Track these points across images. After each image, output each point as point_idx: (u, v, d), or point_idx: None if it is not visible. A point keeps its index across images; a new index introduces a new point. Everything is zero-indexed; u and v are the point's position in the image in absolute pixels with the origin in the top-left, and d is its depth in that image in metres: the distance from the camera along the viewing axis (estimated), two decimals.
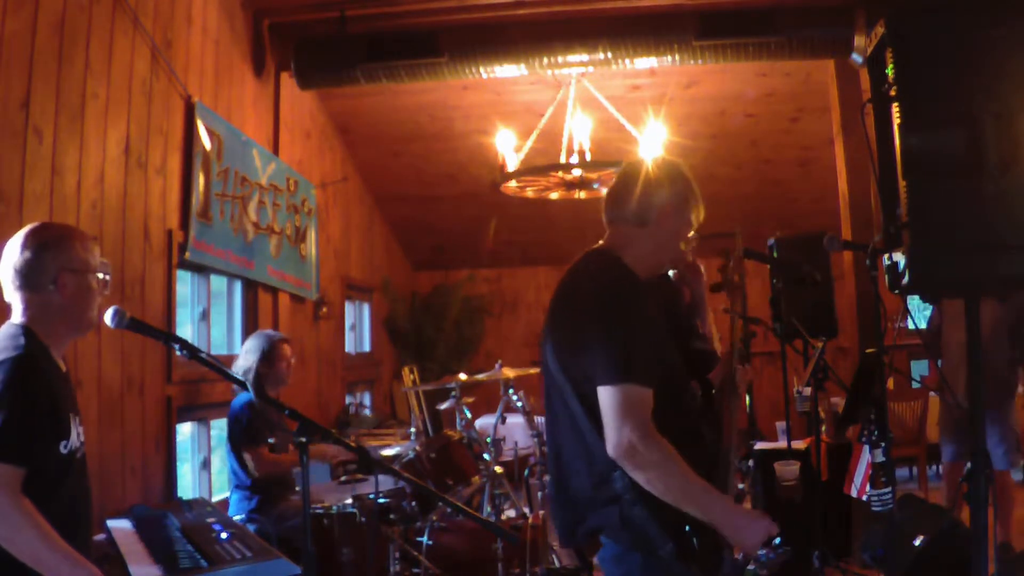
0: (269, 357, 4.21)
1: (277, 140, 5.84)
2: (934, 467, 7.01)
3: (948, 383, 4.74)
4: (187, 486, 4.70)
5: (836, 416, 5.39)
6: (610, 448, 1.89)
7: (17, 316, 2.10)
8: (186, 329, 4.83)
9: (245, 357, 4.24)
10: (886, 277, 2.23)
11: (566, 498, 2.09)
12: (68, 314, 2.12)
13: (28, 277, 2.07)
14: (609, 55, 5.41)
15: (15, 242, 2.10)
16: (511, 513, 4.39)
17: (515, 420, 5.45)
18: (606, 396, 1.91)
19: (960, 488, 2.33)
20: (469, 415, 4.47)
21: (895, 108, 2.06)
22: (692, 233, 2.19)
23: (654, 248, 2.14)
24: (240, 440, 4.00)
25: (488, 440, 4.33)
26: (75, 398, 2.19)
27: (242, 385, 2.14)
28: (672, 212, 2.12)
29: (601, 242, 2.19)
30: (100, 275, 2.18)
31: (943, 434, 4.96)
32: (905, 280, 2.07)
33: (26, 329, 2.06)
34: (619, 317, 1.97)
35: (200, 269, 4.85)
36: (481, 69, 5.52)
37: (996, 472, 4.40)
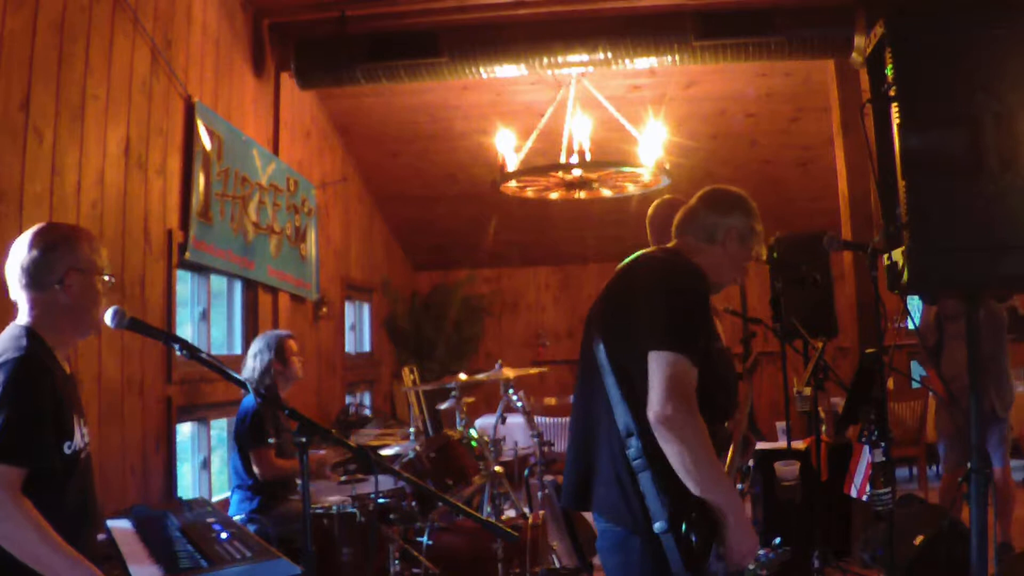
0: (282, 353, 4.22)
1: (277, 140, 5.84)
2: (934, 467, 7.00)
3: (953, 389, 4.73)
4: (187, 486, 4.70)
5: (836, 416, 5.39)
6: (651, 412, 1.96)
7: (22, 316, 2.10)
8: (186, 329, 4.83)
9: (258, 358, 4.21)
10: (886, 277, 2.23)
11: (582, 460, 2.17)
12: (73, 314, 2.11)
13: (35, 276, 2.07)
14: (609, 55, 5.41)
15: (23, 240, 2.10)
16: (511, 513, 4.39)
17: (515, 420, 5.44)
18: (658, 361, 1.99)
19: (960, 488, 2.33)
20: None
21: (895, 108, 2.06)
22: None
23: (714, 265, 2.26)
24: (247, 440, 4.00)
25: (487, 440, 4.32)
26: (79, 399, 2.19)
27: (243, 385, 2.13)
28: (737, 237, 2.29)
29: (669, 245, 2.34)
30: (106, 277, 2.18)
31: (943, 440, 4.93)
32: (905, 280, 2.07)
33: (29, 330, 2.05)
34: (685, 299, 2.09)
35: (200, 269, 4.85)
36: (481, 69, 5.52)
37: (995, 470, 4.40)
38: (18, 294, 2.10)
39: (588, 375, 2.20)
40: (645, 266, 2.25)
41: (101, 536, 3.03)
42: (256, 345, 4.29)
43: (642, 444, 2.00)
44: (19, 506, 1.87)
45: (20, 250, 2.09)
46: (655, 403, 1.95)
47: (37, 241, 2.09)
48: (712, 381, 2.38)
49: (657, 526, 1.95)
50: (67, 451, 2.01)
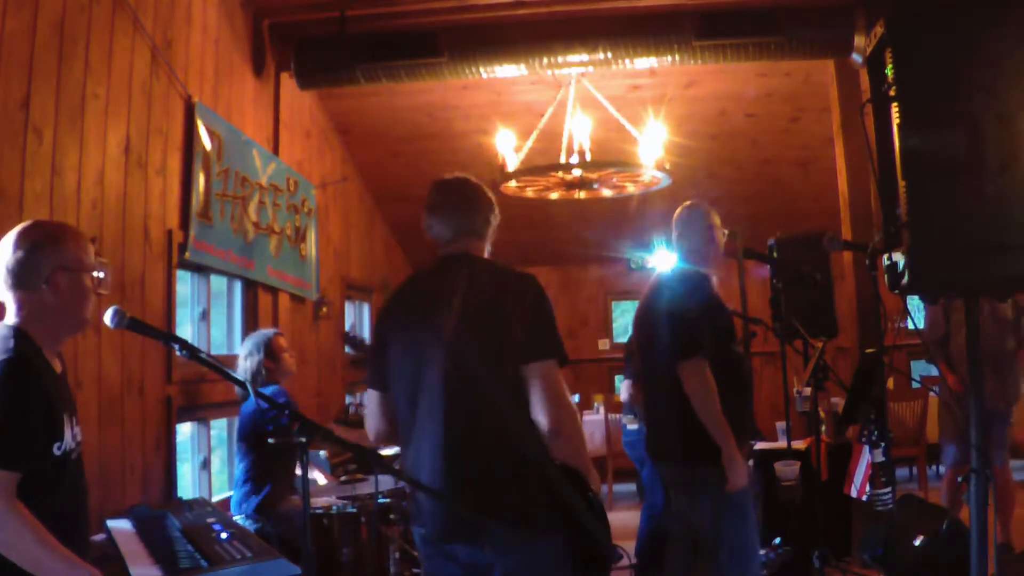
0: (271, 352, 4.24)
1: (277, 140, 5.84)
2: (934, 467, 7.00)
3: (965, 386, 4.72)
4: (187, 486, 4.70)
5: (836, 416, 5.39)
6: (550, 418, 2.13)
7: (10, 316, 2.07)
8: (186, 329, 4.83)
9: (249, 360, 4.25)
10: (886, 277, 2.23)
11: (464, 480, 2.18)
12: (62, 313, 2.09)
13: (21, 277, 2.04)
14: (609, 55, 5.41)
15: (7, 241, 2.06)
16: None
17: None
18: (544, 370, 2.16)
19: (960, 488, 2.34)
20: None
21: (895, 108, 2.06)
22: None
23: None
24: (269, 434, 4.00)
25: None
26: (71, 398, 2.16)
27: (242, 385, 2.13)
28: (494, 227, 2.50)
29: (461, 248, 2.42)
30: (95, 273, 2.15)
31: (946, 438, 4.92)
32: (905, 280, 2.07)
33: (18, 331, 2.03)
34: (547, 306, 2.27)
35: (200, 269, 4.85)
36: (481, 69, 5.52)
37: (996, 471, 4.39)
38: (4, 295, 2.07)
39: (452, 390, 2.20)
40: (494, 283, 2.30)
41: (101, 536, 3.04)
42: (245, 348, 4.33)
43: (544, 453, 2.13)
44: (15, 511, 1.85)
45: (5, 251, 2.05)
46: (551, 411, 2.12)
47: (21, 241, 2.05)
48: (733, 390, 2.60)
49: (573, 520, 2.11)
50: (56, 452, 1.99)
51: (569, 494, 2.09)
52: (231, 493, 4.24)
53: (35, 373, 1.99)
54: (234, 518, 3.59)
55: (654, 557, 4.38)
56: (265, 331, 4.48)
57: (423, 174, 7.77)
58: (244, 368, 4.23)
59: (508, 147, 5.25)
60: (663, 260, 4.49)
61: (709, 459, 3.06)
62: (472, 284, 2.29)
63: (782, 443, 4.97)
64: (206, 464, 4.90)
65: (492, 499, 2.15)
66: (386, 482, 3.97)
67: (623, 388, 5.06)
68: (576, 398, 7.75)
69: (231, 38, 5.19)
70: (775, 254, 5.08)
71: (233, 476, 4.37)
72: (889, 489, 3.25)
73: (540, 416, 2.11)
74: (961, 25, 2.04)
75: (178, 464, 4.40)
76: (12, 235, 2.08)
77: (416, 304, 2.37)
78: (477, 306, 2.24)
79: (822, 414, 4.80)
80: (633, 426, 5.03)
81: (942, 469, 5.08)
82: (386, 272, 8.49)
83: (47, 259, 2.05)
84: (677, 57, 5.37)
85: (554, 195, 5.68)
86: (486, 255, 2.45)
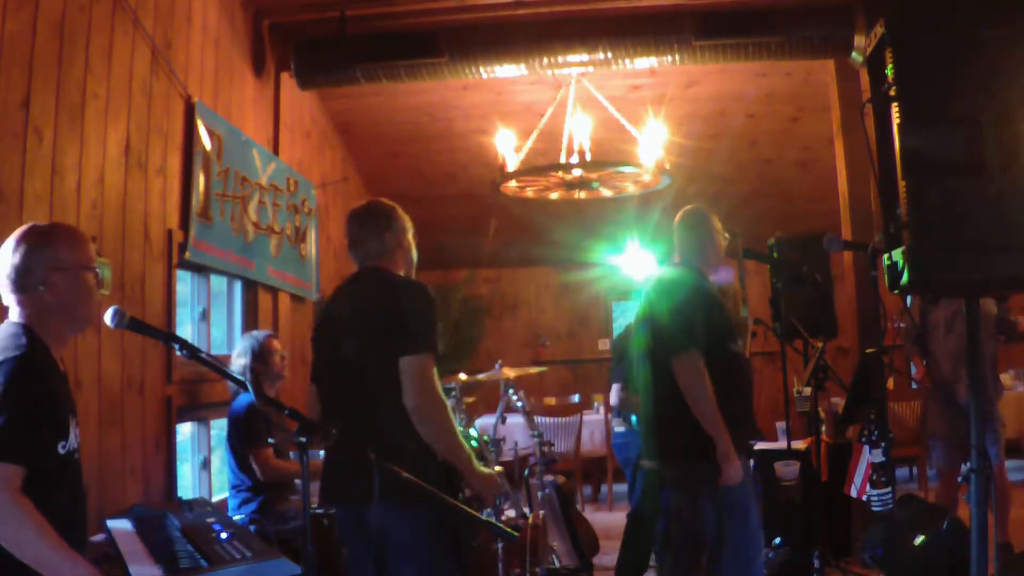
0: (260, 355, 4.23)
1: (277, 140, 5.84)
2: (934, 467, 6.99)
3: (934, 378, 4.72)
4: (187, 486, 4.70)
5: (836, 416, 5.39)
6: (412, 403, 2.48)
7: (16, 317, 2.09)
8: (186, 329, 4.83)
9: (237, 361, 4.26)
10: (886, 277, 2.23)
11: (353, 461, 2.45)
12: (62, 313, 2.11)
13: (18, 280, 2.07)
14: (609, 55, 5.40)
15: (7, 245, 2.10)
16: (511, 513, 4.39)
17: (515, 420, 5.45)
18: (414, 362, 2.51)
19: (959, 488, 2.34)
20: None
21: (895, 108, 2.06)
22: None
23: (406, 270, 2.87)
24: (244, 441, 4.00)
25: (487, 440, 4.32)
26: (72, 399, 2.18)
27: (242, 385, 2.13)
28: (407, 245, 2.87)
29: (372, 264, 2.83)
30: (98, 270, 2.17)
31: (935, 442, 4.90)
32: (905, 280, 2.07)
33: (27, 328, 2.05)
34: (428, 306, 2.67)
35: (200, 269, 4.85)
36: (481, 69, 5.52)
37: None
38: (8, 298, 2.10)
39: (347, 381, 2.62)
40: (388, 292, 2.69)
41: (101, 536, 3.04)
42: (238, 348, 4.33)
43: (416, 437, 2.49)
44: (19, 505, 1.86)
45: (5, 255, 2.09)
46: (414, 396, 2.49)
47: (17, 245, 2.09)
48: (732, 388, 2.71)
49: (446, 491, 2.38)
50: (61, 451, 2.00)
51: (432, 471, 2.44)
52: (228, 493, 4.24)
53: (44, 371, 2.02)
54: (234, 519, 3.59)
55: (637, 560, 4.38)
56: (258, 332, 4.46)
57: (423, 174, 7.82)
58: (234, 368, 4.23)
59: (508, 147, 5.25)
60: (660, 261, 4.50)
61: (709, 456, 3.06)
62: (363, 292, 2.75)
63: (782, 443, 4.97)
64: (206, 464, 4.90)
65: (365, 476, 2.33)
66: None
67: (612, 392, 5.05)
68: (576, 398, 7.75)
69: (231, 38, 5.19)
70: (775, 254, 5.08)
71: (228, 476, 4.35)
72: (889, 489, 3.25)
73: (408, 401, 2.47)
74: (961, 25, 2.04)
75: (178, 464, 4.40)
76: (11, 239, 2.11)
77: (331, 310, 2.88)
78: (362, 309, 2.69)
79: (822, 414, 4.80)
80: (620, 428, 5.03)
81: (933, 471, 5.04)
82: None
83: (41, 262, 2.07)
84: (677, 57, 5.36)
85: (554, 195, 5.68)
86: (403, 265, 2.85)
